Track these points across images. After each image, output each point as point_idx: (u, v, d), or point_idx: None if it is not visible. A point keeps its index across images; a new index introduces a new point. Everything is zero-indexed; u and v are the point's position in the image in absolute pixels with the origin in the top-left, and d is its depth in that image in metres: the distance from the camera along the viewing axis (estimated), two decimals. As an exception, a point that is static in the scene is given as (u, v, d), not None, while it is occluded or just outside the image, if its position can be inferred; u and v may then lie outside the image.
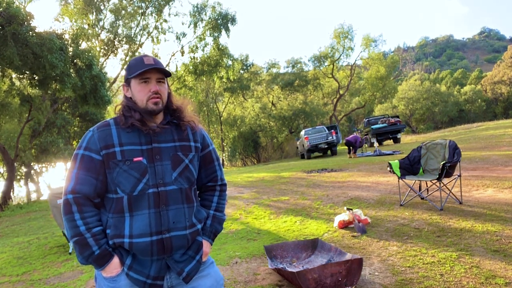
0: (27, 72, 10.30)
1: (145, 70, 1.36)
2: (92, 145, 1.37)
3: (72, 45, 10.87)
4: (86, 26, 19.25)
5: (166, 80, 1.46)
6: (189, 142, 1.48)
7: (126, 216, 1.35)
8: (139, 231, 1.33)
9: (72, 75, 10.18)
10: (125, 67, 1.51)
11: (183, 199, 1.41)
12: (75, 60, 10.86)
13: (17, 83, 14.37)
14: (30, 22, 9.61)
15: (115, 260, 1.35)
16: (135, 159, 1.36)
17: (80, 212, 1.32)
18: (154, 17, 22.99)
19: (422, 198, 5.14)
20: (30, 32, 9.30)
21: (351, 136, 14.47)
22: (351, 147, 14.17)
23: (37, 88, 11.36)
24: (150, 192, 1.35)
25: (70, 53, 10.55)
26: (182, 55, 25.98)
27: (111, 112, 18.18)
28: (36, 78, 10.54)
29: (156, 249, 1.34)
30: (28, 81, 11.12)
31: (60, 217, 5.12)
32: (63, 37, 10.55)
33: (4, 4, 9.07)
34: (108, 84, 16.33)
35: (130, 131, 1.40)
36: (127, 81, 1.44)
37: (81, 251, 1.32)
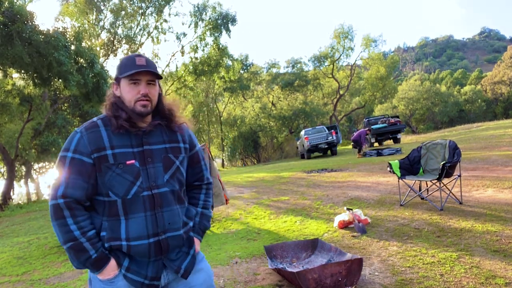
0: (30, 71, 10.27)
1: (136, 71, 1.34)
2: (82, 148, 1.32)
3: (74, 42, 10.83)
4: (86, 26, 19.26)
5: (157, 82, 1.43)
6: (178, 144, 1.47)
7: (122, 219, 1.34)
8: (136, 234, 1.33)
9: (74, 73, 10.15)
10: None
11: (175, 200, 1.42)
12: (77, 58, 10.84)
13: (18, 82, 14.33)
14: (34, 20, 9.58)
15: (112, 263, 1.35)
16: (128, 162, 1.33)
17: (73, 216, 1.29)
18: (154, 17, 22.99)
19: (422, 198, 5.14)
20: (34, 31, 9.26)
21: (355, 134, 14.23)
22: (358, 147, 13.96)
23: (40, 86, 11.32)
24: (144, 195, 1.34)
25: (73, 51, 10.53)
26: (182, 55, 25.98)
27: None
28: (38, 76, 10.51)
29: (153, 250, 1.35)
30: (31, 80, 11.09)
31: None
32: (65, 35, 10.52)
33: (6, 4, 9.03)
34: (110, 81, 16.35)
35: (120, 133, 1.36)
36: (117, 80, 1.41)
37: (77, 256, 1.30)
